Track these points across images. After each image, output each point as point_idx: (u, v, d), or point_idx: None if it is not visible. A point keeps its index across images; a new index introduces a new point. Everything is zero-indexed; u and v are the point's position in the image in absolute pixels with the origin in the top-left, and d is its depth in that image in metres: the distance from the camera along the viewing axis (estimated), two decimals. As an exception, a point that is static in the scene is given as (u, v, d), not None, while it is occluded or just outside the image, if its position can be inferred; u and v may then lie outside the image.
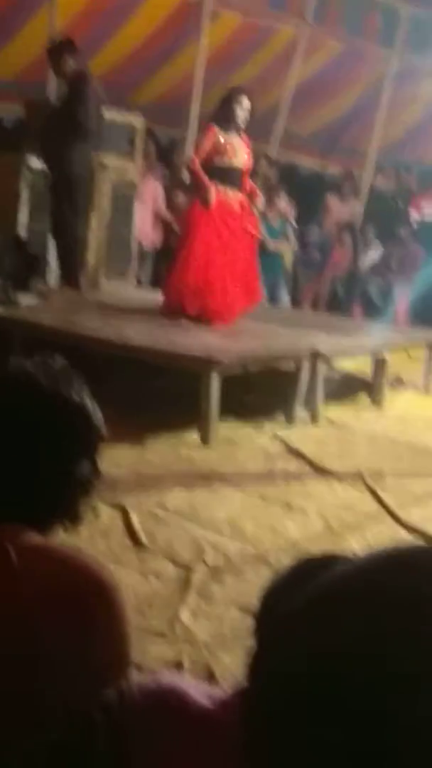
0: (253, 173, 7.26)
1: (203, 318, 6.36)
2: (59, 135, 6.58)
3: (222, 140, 6.36)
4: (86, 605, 1.15)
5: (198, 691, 1.07)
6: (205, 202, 6.39)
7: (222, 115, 6.44)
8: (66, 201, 6.80)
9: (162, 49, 9.63)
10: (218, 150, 6.38)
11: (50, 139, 6.65)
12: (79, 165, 6.76)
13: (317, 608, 0.59)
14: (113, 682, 1.09)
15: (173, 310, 6.44)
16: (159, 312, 6.59)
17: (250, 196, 6.62)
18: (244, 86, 7.11)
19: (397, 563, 0.60)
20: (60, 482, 1.31)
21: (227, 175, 6.43)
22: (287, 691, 0.56)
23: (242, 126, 6.42)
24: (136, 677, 1.13)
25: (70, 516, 1.34)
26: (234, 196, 6.47)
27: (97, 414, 1.37)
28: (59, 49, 6.69)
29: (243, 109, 6.36)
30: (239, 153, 6.43)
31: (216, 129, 6.41)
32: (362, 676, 0.53)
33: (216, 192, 6.39)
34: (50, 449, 1.29)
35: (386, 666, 0.53)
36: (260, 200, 6.96)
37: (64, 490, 1.31)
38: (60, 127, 6.56)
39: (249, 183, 6.66)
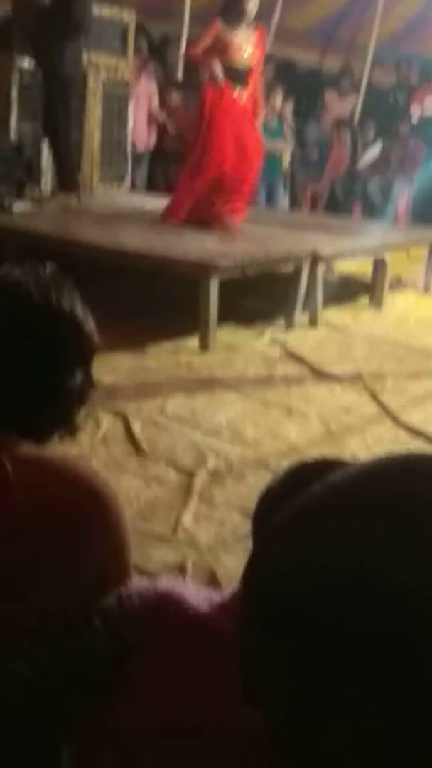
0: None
1: (220, 221, 6.22)
2: (52, 33, 6.33)
3: (225, 37, 6.09)
4: (81, 514, 1.15)
5: (196, 597, 1.08)
6: (214, 79, 6.18)
7: (229, 9, 6.13)
8: (60, 103, 6.60)
9: None
10: (220, 48, 6.12)
11: (43, 37, 6.39)
12: (73, 64, 6.55)
13: (309, 516, 0.58)
14: (112, 589, 1.11)
15: (184, 215, 6.28)
16: (163, 217, 6.43)
17: (253, 103, 6.42)
18: None
19: (395, 469, 0.58)
20: (53, 392, 1.29)
21: (230, 76, 6.19)
22: (274, 603, 0.55)
23: (252, 19, 6.12)
24: (136, 584, 1.14)
25: (66, 426, 1.32)
26: (239, 94, 6.26)
27: (88, 322, 1.34)
28: None
29: (253, 1, 6.05)
30: (245, 50, 6.16)
31: (219, 24, 6.13)
32: (360, 590, 0.51)
33: (225, 85, 6.19)
34: (41, 359, 1.27)
35: (380, 577, 0.51)
36: (261, 112, 6.74)
37: (58, 401, 1.29)
38: (53, 25, 6.31)
39: (253, 87, 6.38)
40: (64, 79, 6.55)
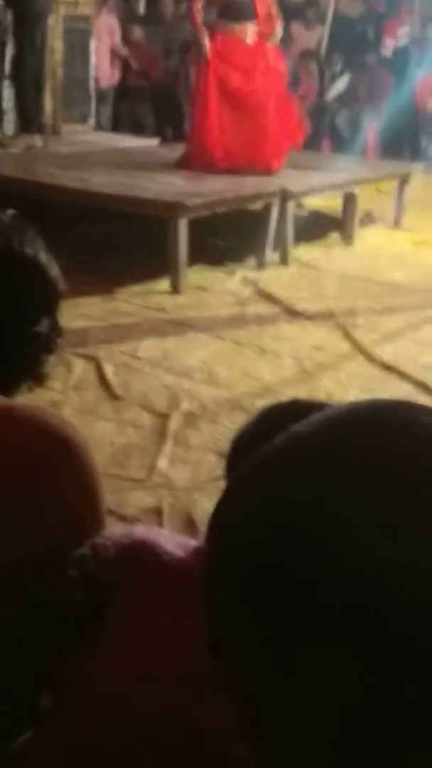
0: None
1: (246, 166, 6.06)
2: None
3: None
4: (48, 464, 1.14)
5: (172, 542, 1.09)
6: (200, 55, 6.09)
7: None
8: (25, 40, 6.41)
9: None
10: None
11: None
12: (43, 2, 6.36)
13: (274, 466, 0.57)
14: (87, 538, 1.11)
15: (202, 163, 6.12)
16: (177, 164, 6.26)
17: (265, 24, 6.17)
18: None
19: (360, 419, 0.57)
20: (18, 340, 1.26)
21: (232, 9, 6.03)
22: (240, 554, 0.54)
23: None
24: (111, 531, 1.15)
25: (33, 375, 1.29)
26: (242, 31, 6.07)
27: (53, 268, 1.30)
28: None
29: None
30: None
31: None
32: (328, 542, 0.51)
33: (219, 35, 6.03)
34: (3, 307, 1.24)
35: (347, 528, 0.51)
36: (277, 28, 6.42)
37: (24, 349, 1.26)
38: None
39: (263, 10, 6.12)
40: (31, 15, 6.35)
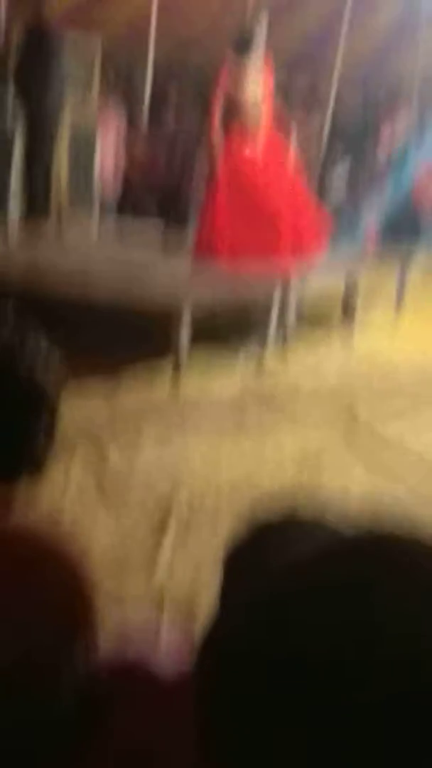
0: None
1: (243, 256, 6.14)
2: (42, 70, 6.38)
3: (236, 72, 6.18)
4: (39, 574, 1.14)
5: (166, 660, 1.09)
6: (212, 156, 6.36)
7: (239, 40, 6.30)
8: (38, 132, 6.66)
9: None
10: (231, 81, 6.21)
11: (31, 72, 6.40)
12: (58, 102, 6.65)
13: (264, 605, 0.59)
14: (78, 654, 1.11)
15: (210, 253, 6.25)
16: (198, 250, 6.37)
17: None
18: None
19: (349, 556, 0.59)
20: (20, 432, 1.28)
21: (242, 108, 6.24)
22: (230, 691, 0.57)
23: (261, 46, 6.22)
24: (104, 647, 1.15)
25: (31, 469, 1.30)
26: (254, 132, 6.27)
27: (53, 365, 1.32)
28: None
29: (261, 26, 6.21)
30: (253, 80, 6.22)
31: (229, 62, 6.25)
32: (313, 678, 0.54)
33: (231, 134, 6.24)
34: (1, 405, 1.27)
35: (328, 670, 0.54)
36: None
37: (26, 440, 1.28)
38: (44, 63, 6.35)
39: (269, 107, 6.38)
40: (49, 115, 6.61)
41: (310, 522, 1.34)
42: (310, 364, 5.68)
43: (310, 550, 0.61)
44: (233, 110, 6.28)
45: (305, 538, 1.12)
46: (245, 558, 1.18)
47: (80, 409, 4.36)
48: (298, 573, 0.60)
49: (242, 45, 6.23)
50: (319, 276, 6.61)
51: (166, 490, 3.77)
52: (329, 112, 11.12)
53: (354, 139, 10.89)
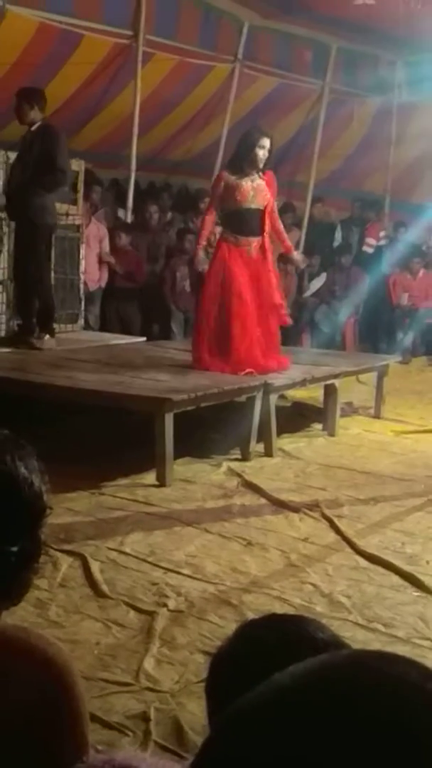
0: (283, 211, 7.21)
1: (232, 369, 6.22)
2: (35, 185, 6.54)
3: (232, 184, 6.29)
4: (31, 690, 1.11)
5: (154, 762, 1.08)
6: (194, 265, 6.56)
7: (238, 158, 6.42)
8: (41, 251, 6.80)
9: (97, 95, 9.71)
10: (228, 195, 6.32)
11: (23, 189, 6.57)
12: (52, 214, 6.81)
13: (256, 722, 0.58)
14: (69, 766, 1.09)
15: (200, 367, 6.33)
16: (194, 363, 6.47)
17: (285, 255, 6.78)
18: (262, 126, 7.10)
19: (343, 677, 0.59)
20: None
21: (240, 220, 6.35)
22: None
23: (261, 166, 6.32)
24: (93, 758, 1.13)
25: (12, 596, 1.24)
26: (247, 242, 6.38)
27: (35, 486, 1.25)
28: (30, 97, 6.63)
29: (264, 149, 6.29)
30: (255, 195, 6.31)
31: (225, 174, 6.41)
32: None
33: (225, 243, 6.40)
34: None
35: None
36: (297, 256, 6.92)
37: (2, 570, 1.20)
38: (36, 177, 6.52)
39: (271, 224, 6.46)
40: (45, 228, 6.76)
41: (290, 619, 1.35)
42: (293, 471, 5.73)
43: (301, 672, 0.62)
44: (233, 220, 6.43)
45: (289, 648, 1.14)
46: (231, 658, 1.19)
47: (63, 516, 4.40)
48: (287, 691, 0.60)
49: (239, 162, 6.36)
50: (298, 386, 6.70)
51: (152, 589, 3.74)
52: (304, 228, 11.54)
53: (330, 254, 11.28)
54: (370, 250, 11.40)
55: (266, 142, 6.33)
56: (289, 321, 6.82)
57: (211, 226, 6.67)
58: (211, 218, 6.58)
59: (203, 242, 6.62)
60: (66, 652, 1.20)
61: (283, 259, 10.55)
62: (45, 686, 1.12)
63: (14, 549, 1.20)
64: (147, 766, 1.06)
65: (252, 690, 0.61)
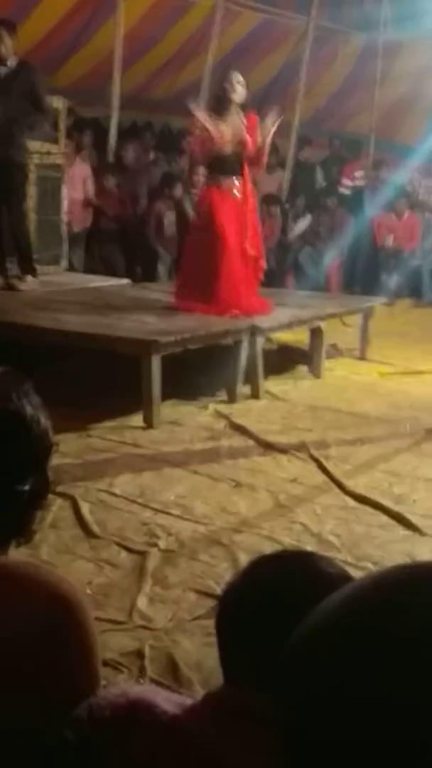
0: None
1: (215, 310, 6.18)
2: (21, 124, 6.39)
3: (211, 127, 6.17)
4: (44, 624, 1.11)
5: (168, 702, 1.09)
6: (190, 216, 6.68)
7: (214, 99, 6.39)
8: (18, 189, 6.68)
9: (78, 30, 9.47)
10: (208, 139, 6.24)
11: (5, 127, 6.39)
12: (25, 152, 6.68)
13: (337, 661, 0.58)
14: (82, 698, 1.10)
15: (185, 307, 6.30)
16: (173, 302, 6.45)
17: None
18: (235, 66, 6.97)
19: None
20: (7, 500, 1.21)
21: (221, 163, 6.30)
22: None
23: (238, 99, 6.20)
24: (106, 691, 1.14)
25: (23, 533, 1.24)
26: (230, 184, 6.32)
27: (42, 424, 1.24)
28: (10, 28, 6.39)
29: (235, 83, 6.20)
30: (236, 137, 6.22)
31: (204, 115, 6.26)
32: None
33: (210, 188, 6.36)
34: None
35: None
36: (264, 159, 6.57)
37: (13, 508, 1.21)
38: (21, 116, 6.36)
39: (252, 155, 6.33)
40: (21, 166, 6.64)
41: (301, 555, 1.35)
42: (279, 413, 5.74)
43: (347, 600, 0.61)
44: (214, 164, 6.38)
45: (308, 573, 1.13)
46: (242, 594, 1.19)
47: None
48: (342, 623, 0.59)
49: (218, 103, 6.30)
50: (285, 328, 6.69)
51: (143, 529, 3.77)
52: (288, 169, 11.41)
53: (315, 195, 11.17)
54: (346, 191, 11.27)
55: (238, 76, 6.27)
56: (261, 276, 6.76)
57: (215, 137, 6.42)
58: (196, 157, 6.69)
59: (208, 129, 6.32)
60: (77, 589, 1.20)
61: (266, 200, 10.50)
62: (57, 620, 1.12)
63: (26, 488, 1.20)
64: (162, 700, 1.07)
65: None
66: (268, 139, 6.37)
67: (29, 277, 6.77)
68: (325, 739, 0.55)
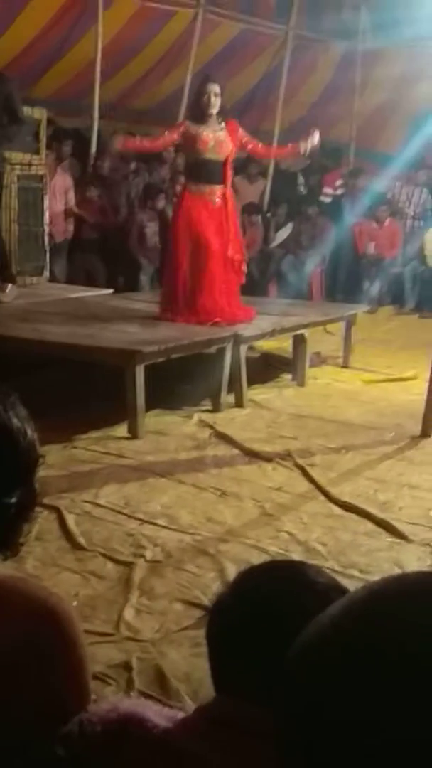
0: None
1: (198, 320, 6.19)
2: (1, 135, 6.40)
3: (192, 132, 6.25)
4: (33, 639, 1.10)
5: (159, 715, 1.08)
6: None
7: (193, 109, 6.48)
8: None
9: (58, 40, 9.47)
10: (189, 144, 6.31)
11: None
12: (1, 162, 6.68)
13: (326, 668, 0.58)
14: (73, 714, 1.09)
15: (168, 318, 6.30)
16: (158, 314, 6.43)
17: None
18: (212, 75, 6.96)
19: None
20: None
21: (202, 170, 6.32)
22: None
23: (215, 111, 6.25)
24: (97, 706, 1.13)
25: (9, 546, 1.23)
26: (211, 192, 6.33)
27: (29, 436, 1.24)
28: None
29: (211, 95, 6.23)
30: (215, 145, 6.27)
31: (187, 123, 6.38)
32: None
33: (188, 193, 6.38)
34: None
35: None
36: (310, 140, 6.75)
37: (3, 522, 1.20)
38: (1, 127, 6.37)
39: (259, 153, 6.72)
40: (1, 177, 6.64)
41: (290, 566, 1.35)
42: (264, 422, 5.74)
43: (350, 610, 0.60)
44: (194, 170, 6.42)
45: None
46: (231, 607, 1.18)
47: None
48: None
49: (197, 114, 6.34)
50: (268, 337, 6.69)
51: (129, 540, 3.75)
52: (269, 178, 11.44)
53: (296, 204, 11.20)
54: (327, 200, 11.31)
55: (214, 87, 6.32)
56: (243, 279, 6.76)
57: (156, 146, 6.96)
58: (161, 143, 6.81)
59: (145, 143, 6.98)
60: (67, 602, 1.19)
61: (248, 209, 10.53)
62: (45, 635, 1.11)
63: (12, 500, 1.19)
64: (153, 714, 1.06)
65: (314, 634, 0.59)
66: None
67: (9, 286, 6.76)
68: (323, 753, 0.54)
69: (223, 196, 6.41)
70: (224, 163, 6.38)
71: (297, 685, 0.58)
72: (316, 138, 6.72)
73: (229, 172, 6.49)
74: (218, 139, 6.29)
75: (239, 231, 6.82)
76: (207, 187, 6.35)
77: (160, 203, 9.35)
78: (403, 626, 0.56)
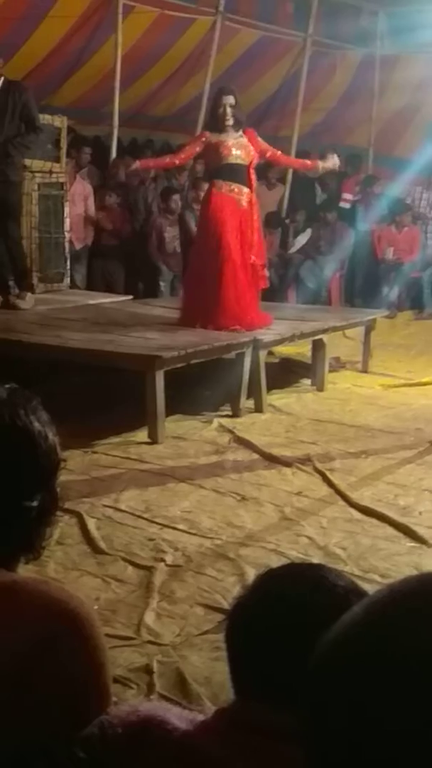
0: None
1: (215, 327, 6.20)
2: (21, 144, 6.47)
3: (214, 141, 6.32)
4: (54, 641, 1.11)
5: (179, 718, 1.09)
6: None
7: (210, 119, 6.60)
8: (12, 208, 6.74)
9: (78, 49, 9.54)
10: (212, 152, 6.39)
11: (3, 146, 6.45)
12: (21, 170, 6.75)
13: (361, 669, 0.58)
14: (94, 716, 1.10)
15: (188, 324, 6.32)
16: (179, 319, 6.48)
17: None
18: (227, 86, 6.97)
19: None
20: (15, 517, 1.21)
21: (228, 172, 6.37)
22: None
23: (231, 122, 6.30)
24: (118, 709, 1.14)
25: (31, 550, 1.25)
26: (239, 191, 6.37)
27: (50, 440, 1.25)
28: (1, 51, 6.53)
29: (227, 107, 6.29)
30: (238, 149, 6.33)
31: (207, 133, 6.47)
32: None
33: (215, 192, 6.39)
34: (2, 481, 1.19)
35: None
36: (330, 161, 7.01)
37: (22, 524, 1.21)
38: (21, 136, 6.43)
39: (281, 162, 6.91)
40: (17, 185, 6.70)
41: (310, 568, 1.36)
42: (283, 426, 5.75)
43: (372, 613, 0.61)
44: (220, 174, 6.44)
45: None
46: (251, 609, 1.19)
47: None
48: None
49: (214, 125, 6.40)
50: (287, 342, 6.70)
51: (149, 544, 3.78)
52: (288, 184, 11.44)
53: (312, 207, 11.20)
54: (346, 206, 11.30)
55: (229, 98, 6.37)
56: (267, 284, 6.78)
57: (166, 164, 7.23)
58: (171, 161, 7.01)
59: (150, 164, 7.48)
60: (88, 605, 1.20)
61: (267, 221, 10.53)
62: (67, 637, 1.12)
63: (34, 504, 1.21)
64: (173, 716, 1.07)
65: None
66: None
67: (28, 295, 6.81)
68: (346, 756, 0.56)
69: (249, 202, 6.44)
70: (248, 167, 6.43)
71: (321, 686, 0.59)
72: (336, 161, 7.12)
73: (253, 177, 6.52)
74: (240, 144, 6.36)
75: (263, 238, 6.85)
76: (234, 185, 6.38)
77: (175, 204, 9.34)
78: (426, 624, 0.57)
